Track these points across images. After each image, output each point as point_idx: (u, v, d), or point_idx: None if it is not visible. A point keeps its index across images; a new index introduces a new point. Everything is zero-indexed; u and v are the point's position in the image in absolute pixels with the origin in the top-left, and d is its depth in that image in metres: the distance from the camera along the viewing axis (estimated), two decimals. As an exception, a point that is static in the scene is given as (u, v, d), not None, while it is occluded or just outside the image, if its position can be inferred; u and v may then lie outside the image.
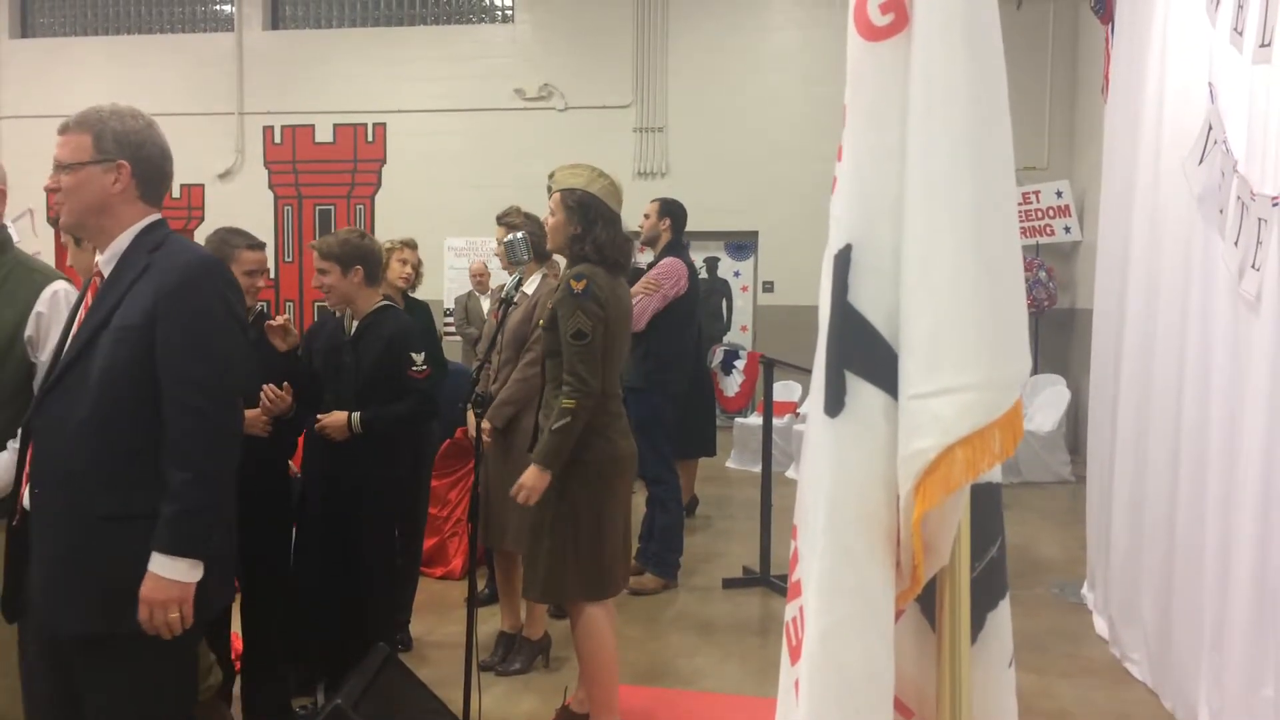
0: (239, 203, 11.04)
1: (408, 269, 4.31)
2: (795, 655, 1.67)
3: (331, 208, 11.41)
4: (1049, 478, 7.78)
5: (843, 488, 1.57)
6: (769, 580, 4.94)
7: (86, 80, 10.76)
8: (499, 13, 11.23)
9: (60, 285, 2.45)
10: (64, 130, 2.09)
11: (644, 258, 5.46)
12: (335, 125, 11.27)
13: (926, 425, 1.50)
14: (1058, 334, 9.15)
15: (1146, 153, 3.93)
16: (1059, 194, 9.04)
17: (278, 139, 11.42)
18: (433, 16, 11.32)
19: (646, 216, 5.07)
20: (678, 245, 5.04)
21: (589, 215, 3.08)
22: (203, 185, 11.44)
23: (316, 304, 10.96)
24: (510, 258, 3.40)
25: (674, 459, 5.03)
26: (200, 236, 3.22)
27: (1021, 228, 8.18)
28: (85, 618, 1.95)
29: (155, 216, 2.12)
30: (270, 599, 3.20)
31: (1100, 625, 4.30)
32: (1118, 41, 4.54)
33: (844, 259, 1.59)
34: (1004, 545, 1.75)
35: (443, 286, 10.65)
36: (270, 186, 11.48)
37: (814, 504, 1.63)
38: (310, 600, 3.29)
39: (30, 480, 2.05)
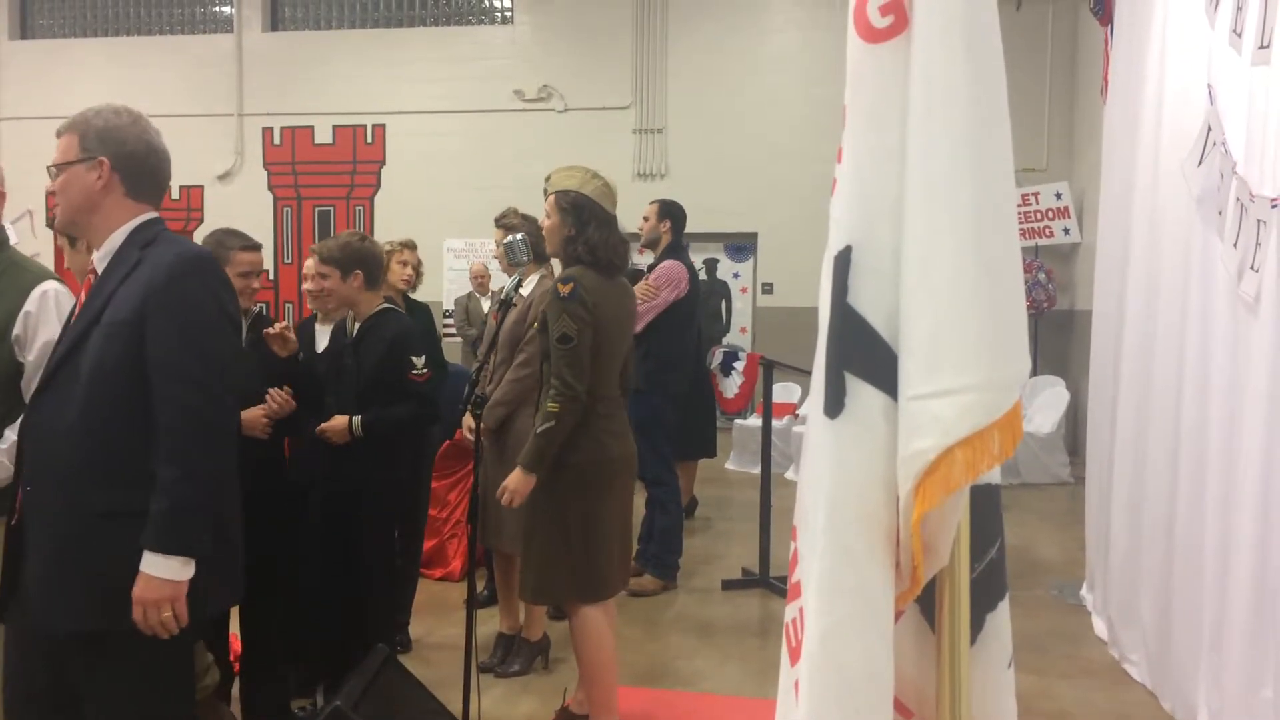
0: (238, 204, 11.04)
1: (408, 270, 4.31)
2: (795, 656, 1.67)
3: (331, 209, 11.41)
4: (1048, 479, 7.78)
5: (843, 489, 1.57)
6: (768, 581, 4.94)
7: (86, 82, 10.75)
8: (498, 14, 11.23)
9: (50, 285, 2.45)
10: (58, 133, 2.11)
11: (644, 259, 5.47)
12: (335, 126, 11.27)
13: (926, 426, 1.50)
14: (1057, 335, 9.15)
15: (1146, 154, 3.93)
16: (1058, 195, 9.04)
17: (277, 140, 11.42)
18: (432, 18, 11.32)
19: (646, 218, 5.06)
20: (677, 247, 5.04)
21: (582, 216, 3.08)
22: (202, 187, 11.44)
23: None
24: (509, 259, 3.40)
25: (674, 460, 5.03)
26: (199, 238, 3.22)
27: (1021, 229, 8.21)
28: (80, 615, 1.94)
29: (150, 215, 2.12)
30: (270, 600, 3.20)
31: (1099, 626, 4.30)
32: (1117, 43, 4.54)
33: (844, 260, 1.59)
34: (1003, 546, 1.75)
35: (442, 288, 10.65)
36: (270, 188, 11.49)
37: (814, 505, 1.63)
38: (310, 601, 3.30)
39: (23, 478, 2.04)
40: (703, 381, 6.07)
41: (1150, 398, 3.74)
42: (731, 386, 7.84)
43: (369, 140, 11.25)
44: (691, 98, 10.52)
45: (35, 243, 8.16)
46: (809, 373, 1.88)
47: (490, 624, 4.07)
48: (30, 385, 2.22)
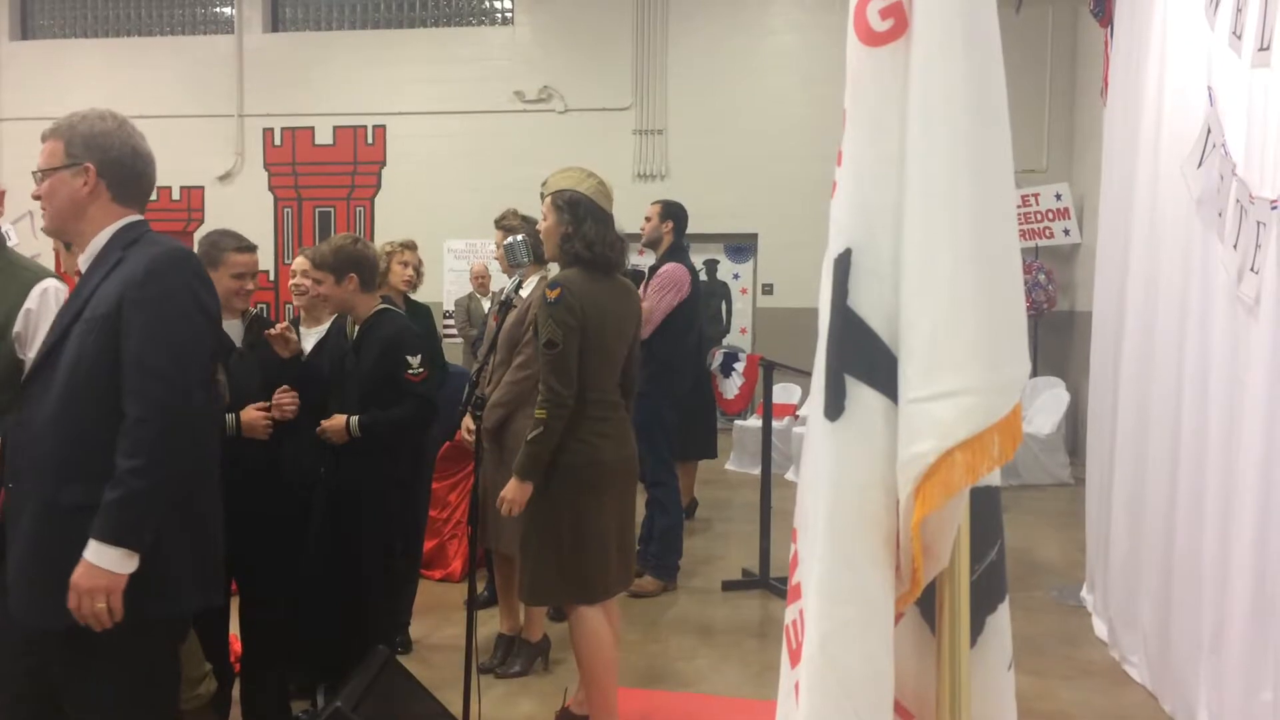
0: (239, 205, 11.05)
1: (409, 271, 4.31)
2: (795, 658, 1.67)
3: (331, 210, 11.41)
4: (1048, 480, 7.78)
5: (843, 491, 1.58)
6: (768, 583, 4.94)
7: (86, 83, 10.75)
8: (498, 15, 11.24)
9: (50, 283, 2.46)
10: (43, 138, 2.11)
11: (644, 260, 5.46)
12: (335, 127, 11.27)
13: (926, 429, 1.50)
14: (1057, 336, 9.15)
15: (1145, 155, 3.93)
16: (1058, 196, 9.04)
17: (277, 141, 11.42)
18: (432, 19, 11.33)
19: (648, 219, 5.07)
20: (679, 248, 5.04)
21: (578, 213, 3.08)
22: (203, 188, 11.45)
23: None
24: (510, 261, 3.40)
25: (674, 461, 5.04)
26: (198, 238, 3.23)
27: (1020, 230, 8.22)
28: (55, 612, 1.92)
29: (134, 217, 2.12)
30: (270, 601, 3.20)
31: (1099, 628, 4.31)
32: (1117, 44, 4.55)
33: (844, 263, 1.59)
34: (1003, 548, 1.75)
35: (442, 289, 10.65)
36: (270, 188, 11.49)
37: (814, 507, 1.63)
38: (310, 602, 3.30)
39: (6, 475, 2.05)
40: (703, 382, 6.08)
41: (1150, 399, 3.74)
42: (732, 387, 7.83)
43: (369, 141, 11.25)
44: (692, 98, 10.52)
45: (36, 244, 8.17)
46: (809, 374, 1.88)
47: (490, 625, 4.07)
48: None
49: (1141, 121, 3.99)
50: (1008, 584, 1.77)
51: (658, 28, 10.58)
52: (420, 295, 4.56)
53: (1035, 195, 9.08)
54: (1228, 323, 3.08)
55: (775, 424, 6.62)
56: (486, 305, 8.26)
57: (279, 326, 3.16)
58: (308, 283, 3.59)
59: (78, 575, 1.89)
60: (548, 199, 3.15)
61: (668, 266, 4.89)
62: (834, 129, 1.78)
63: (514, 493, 2.98)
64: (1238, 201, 3.02)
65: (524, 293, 3.77)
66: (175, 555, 1.99)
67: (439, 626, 4.30)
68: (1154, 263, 3.78)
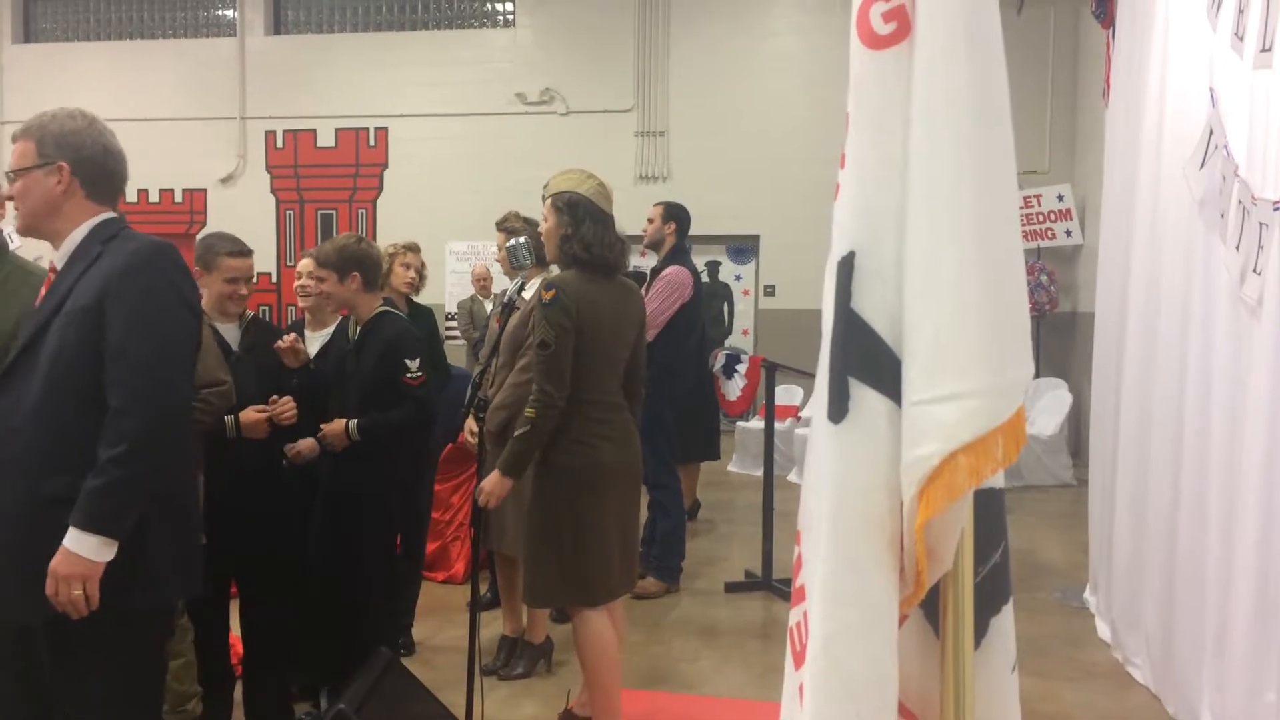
0: (241, 207, 11.07)
1: (411, 273, 4.31)
2: (799, 660, 1.67)
3: (333, 212, 11.42)
4: (1051, 481, 7.78)
5: (847, 494, 1.57)
6: (771, 584, 4.94)
7: (88, 85, 10.77)
8: (500, 17, 11.25)
9: None
10: (14, 139, 2.13)
11: (645, 261, 5.46)
12: (337, 130, 11.29)
13: (930, 431, 1.50)
14: (1059, 338, 9.15)
15: (1147, 157, 3.93)
16: (1060, 198, 9.04)
17: (279, 143, 11.44)
18: (434, 21, 11.34)
19: (650, 221, 5.06)
20: (681, 250, 5.04)
21: (577, 213, 3.08)
22: (205, 190, 11.47)
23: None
24: (512, 263, 3.40)
25: (676, 463, 5.03)
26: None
27: (1023, 231, 8.18)
28: (36, 605, 1.93)
29: (110, 214, 2.14)
30: (272, 602, 3.20)
31: (1103, 629, 4.30)
32: (1119, 46, 4.55)
33: (847, 265, 1.59)
34: (1007, 550, 1.75)
35: (444, 291, 10.66)
36: (272, 191, 11.50)
37: (818, 510, 1.63)
38: (312, 604, 3.30)
39: None
40: (705, 384, 6.08)
41: (1152, 400, 3.74)
42: (734, 389, 7.83)
43: (371, 143, 11.27)
44: (693, 100, 10.53)
45: (37, 246, 8.18)
46: (811, 375, 1.88)
47: (493, 627, 4.07)
48: None
49: (1143, 122, 3.99)
50: (1012, 586, 1.77)
51: (659, 30, 10.59)
52: (422, 297, 4.56)
53: (1037, 196, 9.08)
54: (1230, 324, 3.08)
55: (777, 425, 6.61)
56: (489, 307, 8.26)
57: (287, 339, 3.16)
58: (313, 284, 3.60)
59: (56, 562, 1.91)
60: (548, 201, 3.16)
61: (670, 269, 4.88)
62: (836, 131, 1.79)
63: (493, 485, 3.00)
64: (1240, 203, 3.02)
65: (526, 295, 3.77)
66: (157, 546, 2.01)
67: (442, 628, 4.30)
68: (1156, 264, 3.78)
